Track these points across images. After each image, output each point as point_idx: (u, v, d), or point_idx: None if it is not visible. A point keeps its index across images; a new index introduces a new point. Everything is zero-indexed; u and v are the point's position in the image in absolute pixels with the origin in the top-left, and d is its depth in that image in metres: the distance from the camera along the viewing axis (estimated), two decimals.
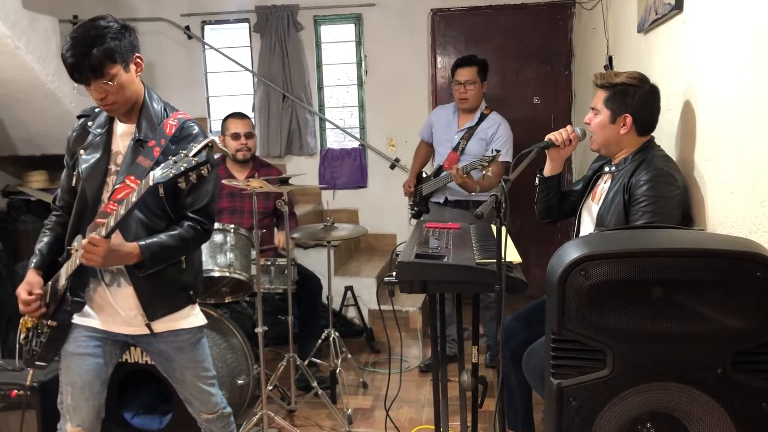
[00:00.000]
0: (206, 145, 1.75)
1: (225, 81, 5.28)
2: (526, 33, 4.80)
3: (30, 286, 1.91)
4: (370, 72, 5.04)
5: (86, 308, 1.96)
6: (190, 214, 1.93)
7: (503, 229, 1.65)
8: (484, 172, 3.20)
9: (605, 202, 2.13)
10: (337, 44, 5.16)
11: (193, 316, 2.05)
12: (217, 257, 2.90)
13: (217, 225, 2.75)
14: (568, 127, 2.28)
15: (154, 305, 1.95)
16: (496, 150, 3.30)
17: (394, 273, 1.79)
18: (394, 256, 2.06)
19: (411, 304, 4.22)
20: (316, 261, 4.07)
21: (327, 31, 5.14)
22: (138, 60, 1.89)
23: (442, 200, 3.62)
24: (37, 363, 1.99)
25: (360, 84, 5.10)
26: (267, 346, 3.12)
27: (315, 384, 3.13)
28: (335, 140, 5.27)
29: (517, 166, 1.92)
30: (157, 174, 1.70)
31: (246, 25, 5.14)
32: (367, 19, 4.97)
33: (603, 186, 2.22)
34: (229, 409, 2.18)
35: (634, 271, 1.35)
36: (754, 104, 1.66)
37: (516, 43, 4.82)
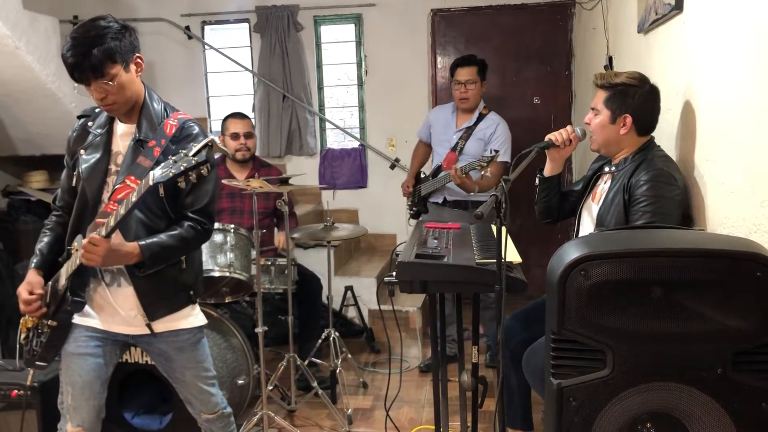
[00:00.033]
0: (206, 145, 1.75)
1: (225, 81, 5.28)
2: (526, 33, 4.80)
3: (31, 285, 1.91)
4: (370, 72, 5.04)
5: (86, 308, 1.96)
6: (190, 214, 1.93)
7: (503, 229, 1.65)
8: (483, 172, 3.20)
9: (605, 202, 2.13)
10: (337, 44, 5.16)
11: (193, 316, 2.05)
12: (218, 257, 2.91)
13: (217, 225, 2.75)
14: (568, 128, 2.28)
15: (154, 305, 1.95)
16: (494, 150, 3.31)
17: (394, 273, 1.79)
18: (394, 256, 2.06)
19: (411, 304, 4.22)
20: (316, 261, 4.07)
21: (327, 32, 5.15)
22: (138, 60, 1.89)
23: (440, 200, 3.62)
24: (37, 363, 2.00)
25: (360, 84, 5.10)
26: (267, 346, 3.12)
27: (315, 384, 3.13)
28: (335, 140, 5.27)
29: (517, 166, 1.92)
30: (156, 173, 1.70)
31: (246, 25, 5.14)
32: (367, 19, 4.98)
33: (603, 186, 2.22)
34: (229, 409, 2.18)
35: (634, 271, 1.35)
36: (754, 104, 1.66)
37: (516, 43, 4.82)
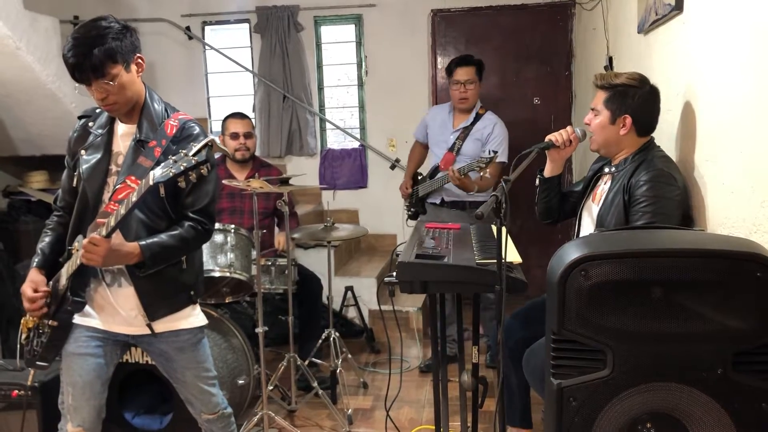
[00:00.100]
0: (206, 145, 1.75)
1: (225, 81, 5.28)
2: (527, 33, 4.81)
3: (35, 284, 1.91)
4: (370, 72, 5.05)
5: (87, 308, 1.96)
6: (191, 214, 1.93)
7: (503, 229, 1.66)
8: (481, 173, 3.20)
9: (605, 202, 2.14)
10: (337, 45, 5.16)
11: (193, 317, 2.05)
12: (218, 257, 2.91)
13: (217, 225, 2.75)
14: (569, 128, 2.28)
15: (154, 305, 1.95)
16: (493, 151, 3.30)
17: (394, 273, 1.79)
18: (394, 256, 2.06)
19: (411, 304, 4.22)
20: (317, 261, 4.07)
21: (327, 32, 5.15)
22: (139, 60, 1.89)
23: (438, 201, 3.62)
24: (38, 363, 2.00)
25: (360, 84, 5.10)
26: (267, 346, 3.12)
27: (315, 384, 3.13)
28: (335, 141, 5.28)
29: (517, 167, 1.92)
30: (157, 173, 1.70)
31: (246, 25, 5.15)
32: (368, 19, 4.98)
33: (603, 187, 2.23)
34: (229, 410, 2.18)
35: (634, 271, 1.35)
36: (754, 104, 1.66)
37: (516, 43, 4.82)
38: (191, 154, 1.71)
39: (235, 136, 3.42)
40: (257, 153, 3.80)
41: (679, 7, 2.18)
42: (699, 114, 2.07)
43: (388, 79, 4.98)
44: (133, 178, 1.83)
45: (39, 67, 3.59)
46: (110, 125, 1.96)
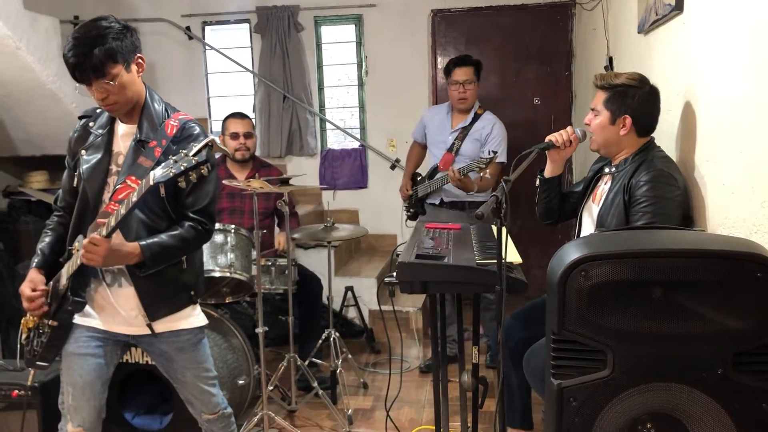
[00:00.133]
0: (206, 145, 1.75)
1: (225, 81, 5.28)
2: (527, 33, 4.81)
3: (33, 283, 1.91)
4: (370, 72, 5.05)
5: (87, 308, 1.96)
6: (191, 215, 1.93)
7: (504, 229, 1.66)
8: (481, 174, 3.20)
9: (605, 203, 2.14)
10: (337, 45, 5.16)
11: (194, 317, 2.05)
12: (218, 257, 2.91)
13: (217, 225, 2.75)
14: (569, 128, 2.28)
15: (155, 305, 1.95)
16: (493, 151, 3.30)
17: (394, 273, 1.80)
18: (394, 256, 2.06)
19: (411, 304, 4.22)
20: (317, 261, 4.07)
21: (327, 32, 5.15)
22: (139, 60, 1.89)
23: (437, 201, 3.62)
24: (38, 363, 2.00)
25: (360, 84, 5.10)
26: (267, 346, 3.12)
27: (315, 384, 3.13)
28: (336, 141, 5.28)
29: (517, 167, 1.92)
30: (157, 173, 1.70)
31: (246, 25, 5.15)
32: (368, 19, 4.98)
33: (603, 187, 2.23)
34: (229, 410, 2.19)
35: (634, 271, 1.35)
36: (754, 104, 1.66)
37: (516, 43, 4.82)
38: (191, 154, 1.71)
39: (235, 136, 3.42)
40: (257, 153, 3.80)
41: (679, 7, 2.18)
42: (699, 114, 2.07)
43: (388, 79, 4.98)
44: (133, 178, 1.84)
45: (39, 67, 3.59)
46: (110, 125, 1.96)
